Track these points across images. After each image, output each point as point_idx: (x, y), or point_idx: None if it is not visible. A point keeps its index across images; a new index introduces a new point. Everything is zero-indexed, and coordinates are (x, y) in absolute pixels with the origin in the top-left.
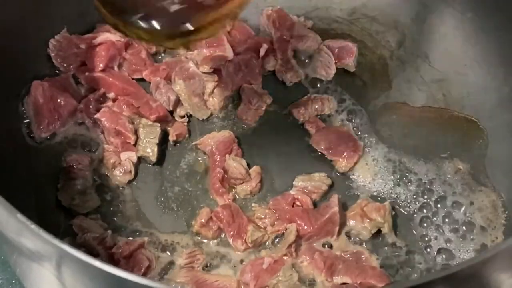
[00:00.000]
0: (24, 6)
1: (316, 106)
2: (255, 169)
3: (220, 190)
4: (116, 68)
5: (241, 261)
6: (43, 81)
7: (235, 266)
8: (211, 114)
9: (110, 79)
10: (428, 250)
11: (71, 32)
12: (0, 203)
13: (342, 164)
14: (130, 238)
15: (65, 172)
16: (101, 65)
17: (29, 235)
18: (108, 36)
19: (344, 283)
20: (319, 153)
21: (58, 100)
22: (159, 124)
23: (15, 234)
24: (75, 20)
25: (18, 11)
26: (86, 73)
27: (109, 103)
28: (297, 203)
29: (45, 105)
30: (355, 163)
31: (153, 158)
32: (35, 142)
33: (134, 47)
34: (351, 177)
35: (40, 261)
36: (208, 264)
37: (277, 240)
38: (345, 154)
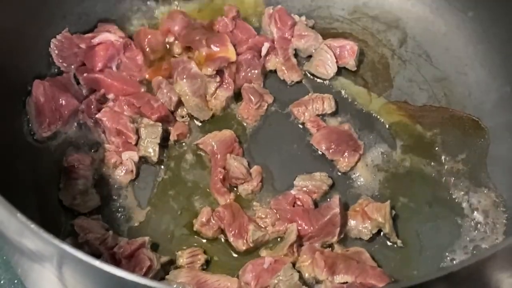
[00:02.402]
0: (25, 6)
1: (317, 106)
2: (256, 168)
3: (221, 190)
4: (114, 68)
5: (242, 261)
6: (44, 81)
7: (236, 266)
8: (213, 115)
9: (109, 80)
10: (429, 250)
11: (73, 32)
12: (1, 203)
13: (343, 163)
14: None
15: (66, 172)
16: (100, 65)
17: (30, 235)
18: (107, 36)
19: (344, 282)
20: (320, 153)
21: (60, 100)
22: (160, 124)
23: (16, 235)
24: (76, 19)
25: (19, 11)
26: (85, 74)
27: (110, 103)
28: (298, 202)
29: (46, 105)
30: (356, 163)
31: (155, 158)
32: (37, 141)
33: (131, 49)
34: (352, 176)
35: (41, 262)
36: (209, 264)
37: (277, 240)
38: (346, 153)
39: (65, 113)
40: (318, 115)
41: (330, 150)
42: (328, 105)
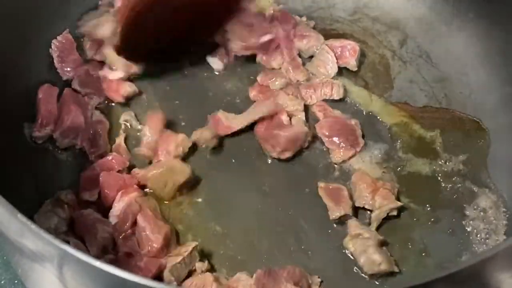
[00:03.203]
0: (25, 4)
1: (326, 90)
2: None
3: None
4: None
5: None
6: (52, 86)
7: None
8: None
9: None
10: (430, 250)
11: (73, 33)
12: (1, 204)
13: (337, 154)
14: None
15: None
16: None
17: (30, 236)
18: None
19: None
20: (319, 143)
21: (66, 108)
22: None
23: (17, 235)
24: (77, 20)
25: (19, 10)
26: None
27: None
28: None
29: (49, 107)
30: (350, 158)
31: None
32: (37, 142)
33: None
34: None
35: (42, 262)
36: None
37: None
38: (343, 146)
39: (67, 123)
40: (324, 100)
41: (329, 138)
42: (337, 91)
